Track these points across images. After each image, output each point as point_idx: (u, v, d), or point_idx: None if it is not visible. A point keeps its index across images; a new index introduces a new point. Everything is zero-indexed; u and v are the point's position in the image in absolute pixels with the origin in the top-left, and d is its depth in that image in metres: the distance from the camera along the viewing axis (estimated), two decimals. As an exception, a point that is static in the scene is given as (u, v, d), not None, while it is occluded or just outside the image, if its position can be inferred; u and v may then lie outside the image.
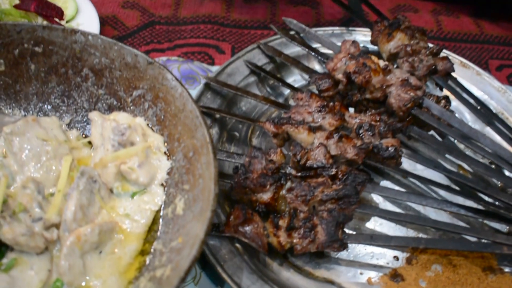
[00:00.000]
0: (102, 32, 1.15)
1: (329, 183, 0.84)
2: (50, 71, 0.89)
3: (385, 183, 0.97)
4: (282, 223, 0.81)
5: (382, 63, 0.99)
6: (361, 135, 0.91)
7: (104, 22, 1.20)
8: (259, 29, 1.25)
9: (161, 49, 1.15)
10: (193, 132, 0.77)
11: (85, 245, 0.71)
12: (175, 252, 0.69)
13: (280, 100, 1.07)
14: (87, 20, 1.13)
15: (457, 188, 0.95)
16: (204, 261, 0.83)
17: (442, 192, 0.95)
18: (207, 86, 0.99)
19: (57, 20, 1.09)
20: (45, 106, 0.90)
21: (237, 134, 1.00)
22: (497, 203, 0.89)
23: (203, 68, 1.08)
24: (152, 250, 0.75)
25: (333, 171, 0.85)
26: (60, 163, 0.81)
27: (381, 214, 0.88)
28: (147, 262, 0.74)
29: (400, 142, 0.92)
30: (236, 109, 1.02)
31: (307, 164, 0.85)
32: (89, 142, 0.86)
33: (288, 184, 0.84)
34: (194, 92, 0.98)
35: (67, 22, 1.12)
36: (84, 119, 0.90)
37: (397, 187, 0.96)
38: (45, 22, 1.08)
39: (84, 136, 0.89)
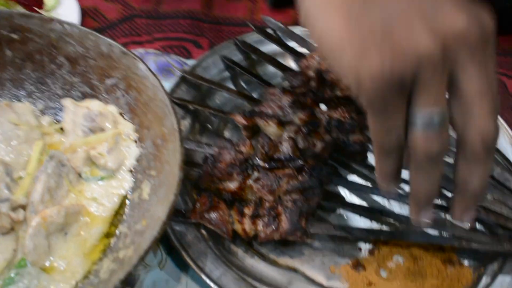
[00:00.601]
0: (82, 23, 1.16)
1: (295, 174, 0.86)
2: (26, 58, 0.90)
3: (352, 177, 1.00)
4: (247, 211, 0.83)
5: (353, 61, 1.01)
6: (329, 130, 0.93)
7: (85, 13, 1.21)
8: (238, 26, 1.27)
9: (139, 42, 1.17)
10: (163, 120, 0.79)
11: (51, 226, 0.73)
12: (139, 234, 0.71)
13: (255, 95, 1.09)
14: (67, 11, 1.14)
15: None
16: (170, 247, 0.84)
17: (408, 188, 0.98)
18: (182, 79, 1.01)
19: (36, 9, 1.11)
20: (19, 92, 0.91)
21: (209, 126, 1.02)
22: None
23: (180, 61, 1.10)
24: (117, 232, 0.77)
25: (300, 163, 0.87)
26: (31, 148, 0.82)
27: (346, 207, 0.91)
28: (112, 244, 0.75)
29: (367, 138, 0.94)
30: (210, 102, 1.04)
31: (274, 156, 0.88)
32: (62, 129, 0.88)
33: (255, 174, 0.86)
34: (170, 84, 1.00)
35: (47, 12, 1.14)
36: (58, 106, 0.91)
37: (363, 182, 0.99)
38: (24, 10, 1.10)
39: (56, 122, 0.91)
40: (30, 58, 0.90)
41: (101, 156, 0.80)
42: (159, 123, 0.79)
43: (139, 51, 1.09)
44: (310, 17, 0.47)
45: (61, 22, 0.88)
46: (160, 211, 0.68)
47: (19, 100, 0.91)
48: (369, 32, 0.45)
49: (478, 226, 0.96)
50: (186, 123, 0.97)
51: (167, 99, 0.78)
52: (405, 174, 0.93)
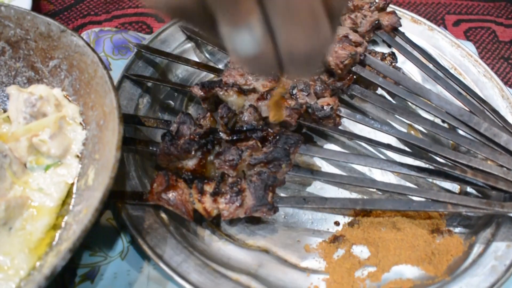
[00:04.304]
0: (37, 7, 1.11)
1: (258, 146, 0.79)
2: (-34, 47, 0.85)
3: (329, 146, 0.92)
4: (208, 188, 0.76)
5: (321, 20, 0.93)
6: (295, 95, 0.86)
7: (41, -3, 1.16)
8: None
9: (98, 21, 1.11)
10: (104, 99, 0.72)
11: (-9, 222, 0.68)
12: (80, 224, 0.65)
13: (221, 66, 1.02)
14: (20, -4, 1.08)
15: (407, 149, 0.90)
16: (131, 235, 0.79)
17: (392, 155, 0.90)
18: (137, 54, 0.94)
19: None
20: (-36, 83, 0.86)
21: (172, 103, 0.95)
22: (449, 163, 0.84)
23: (138, 37, 1.04)
24: (63, 224, 0.71)
25: (263, 133, 0.80)
26: (-23, 141, 0.77)
27: (318, 177, 0.83)
28: (57, 237, 0.70)
29: (338, 101, 0.87)
30: (172, 77, 0.98)
31: (236, 127, 0.81)
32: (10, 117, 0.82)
33: (217, 149, 0.79)
34: (126, 61, 0.93)
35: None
36: (4, 94, 0.86)
37: (341, 149, 0.91)
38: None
39: (4, 111, 0.85)
40: (-30, 47, 0.85)
41: (43, 143, 0.74)
42: (101, 102, 0.73)
43: (95, 30, 1.02)
44: None
45: (-4, 5, 0.82)
46: (96, 197, 0.62)
47: (-37, 92, 0.85)
48: None
49: (469, 189, 0.89)
50: (145, 101, 0.91)
51: (106, 75, 0.72)
52: (366, 132, 0.87)
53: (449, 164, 0.83)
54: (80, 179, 0.74)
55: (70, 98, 0.80)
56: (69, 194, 0.74)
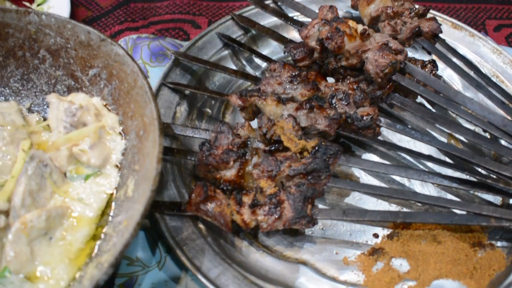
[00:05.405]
0: (75, 13, 1.12)
1: (297, 156, 0.78)
2: (8, 55, 0.86)
3: (367, 156, 0.91)
4: (246, 199, 0.76)
5: (360, 27, 0.92)
6: (334, 104, 0.84)
7: (78, 3, 1.16)
8: (237, 1, 1.19)
9: (135, 28, 1.11)
10: (144, 109, 0.72)
11: (32, 232, 0.68)
12: (120, 236, 0.65)
13: (257, 74, 1.01)
14: (58, 3, 1.09)
15: (447, 159, 0.88)
16: (169, 245, 0.79)
17: (432, 165, 0.88)
18: (175, 62, 0.94)
19: (27, 4, 1.07)
20: (5, 90, 0.87)
21: (209, 110, 0.95)
22: (492, 174, 0.82)
23: (175, 44, 1.04)
24: (102, 235, 0.71)
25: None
26: (18, 149, 0.78)
27: (357, 188, 0.81)
28: (97, 248, 0.70)
29: (378, 111, 0.85)
30: (209, 84, 0.97)
31: (274, 137, 0.80)
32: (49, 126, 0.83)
33: (255, 159, 0.79)
34: (164, 69, 0.93)
35: (38, 5, 1.09)
36: (44, 102, 0.87)
37: (379, 160, 0.89)
38: (14, 6, 1.06)
39: (45, 119, 0.86)
40: (12, 55, 0.86)
41: (83, 152, 0.75)
42: (141, 112, 0.73)
43: (132, 37, 1.02)
44: None
45: (38, 14, 0.83)
46: (137, 210, 0.62)
47: (6, 99, 0.86)
48: None
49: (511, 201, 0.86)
50: (182, 109, 0.91)
51: (146, 85, 0.72)
52: (406, 142, 0.85)
53: (492, 176, 0.80)
54: (119, 190, 0.74)
55: (109, 108, 0.81)
56: (108, 204, 0.75)
